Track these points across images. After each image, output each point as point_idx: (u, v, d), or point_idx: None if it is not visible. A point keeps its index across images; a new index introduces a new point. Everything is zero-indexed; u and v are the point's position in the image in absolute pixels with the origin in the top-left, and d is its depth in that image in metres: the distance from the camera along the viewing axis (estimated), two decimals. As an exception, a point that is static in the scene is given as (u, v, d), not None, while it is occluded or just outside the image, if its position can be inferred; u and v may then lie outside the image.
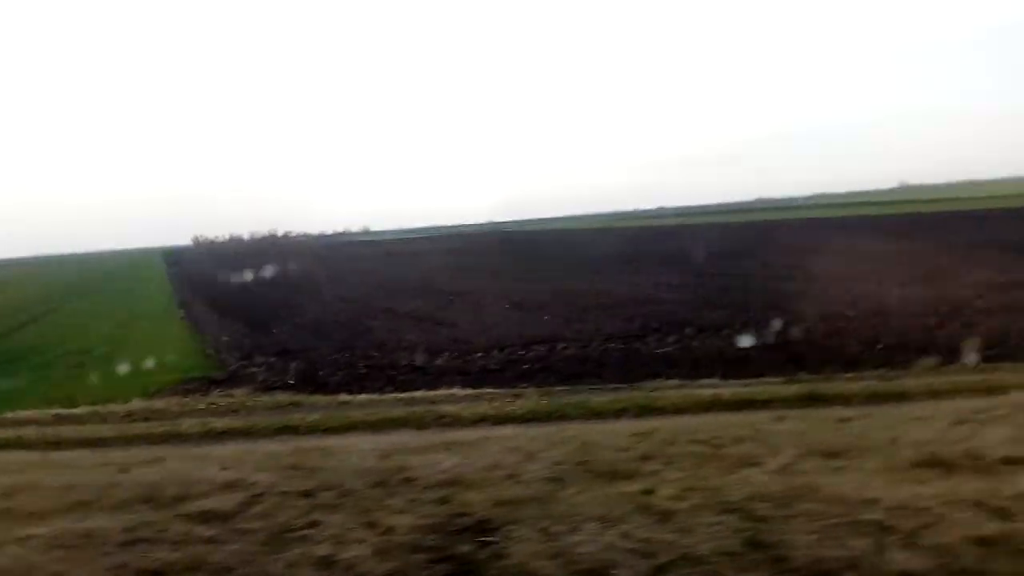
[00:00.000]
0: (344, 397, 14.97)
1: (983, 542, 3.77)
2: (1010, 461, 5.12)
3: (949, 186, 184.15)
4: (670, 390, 13.27)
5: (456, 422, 11.14)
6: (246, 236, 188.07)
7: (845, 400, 10.80)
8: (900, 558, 3.66)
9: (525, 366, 18.01)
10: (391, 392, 15.36)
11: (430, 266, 54.31)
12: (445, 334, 23.02)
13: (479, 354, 19.55)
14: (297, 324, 28.00)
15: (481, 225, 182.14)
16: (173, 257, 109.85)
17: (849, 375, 13.86)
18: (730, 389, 12.78)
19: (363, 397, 14.93)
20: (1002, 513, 4.16)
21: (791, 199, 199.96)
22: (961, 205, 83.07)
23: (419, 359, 19.11)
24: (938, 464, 5.26)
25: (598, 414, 11.02)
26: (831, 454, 5.74)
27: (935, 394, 10.50)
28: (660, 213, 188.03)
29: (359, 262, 70.38)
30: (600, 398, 12.40)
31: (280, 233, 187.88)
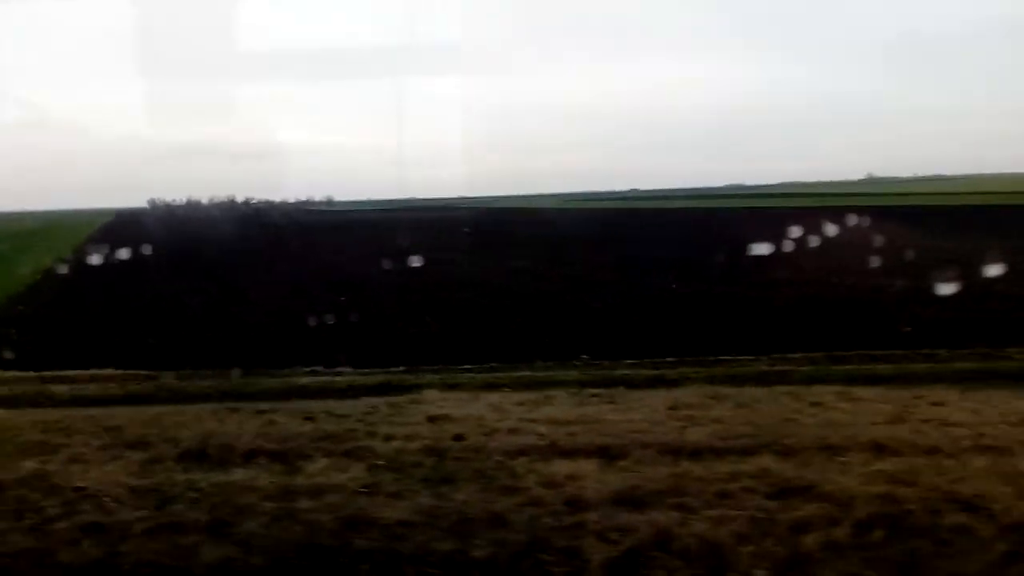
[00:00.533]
0: None
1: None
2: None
3: (914, 180, 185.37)
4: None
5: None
6: (204, 200, 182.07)
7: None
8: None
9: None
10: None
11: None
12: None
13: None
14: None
15: (453, 199, 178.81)
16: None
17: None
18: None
19: None
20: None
21: (763, 186, 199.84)
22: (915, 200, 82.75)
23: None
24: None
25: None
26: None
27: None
28: (631, 195, 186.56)
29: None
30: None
31: (240, 199, 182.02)
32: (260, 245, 48.42)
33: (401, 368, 13.64)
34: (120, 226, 75.30)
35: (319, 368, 13.51)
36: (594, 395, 9.91)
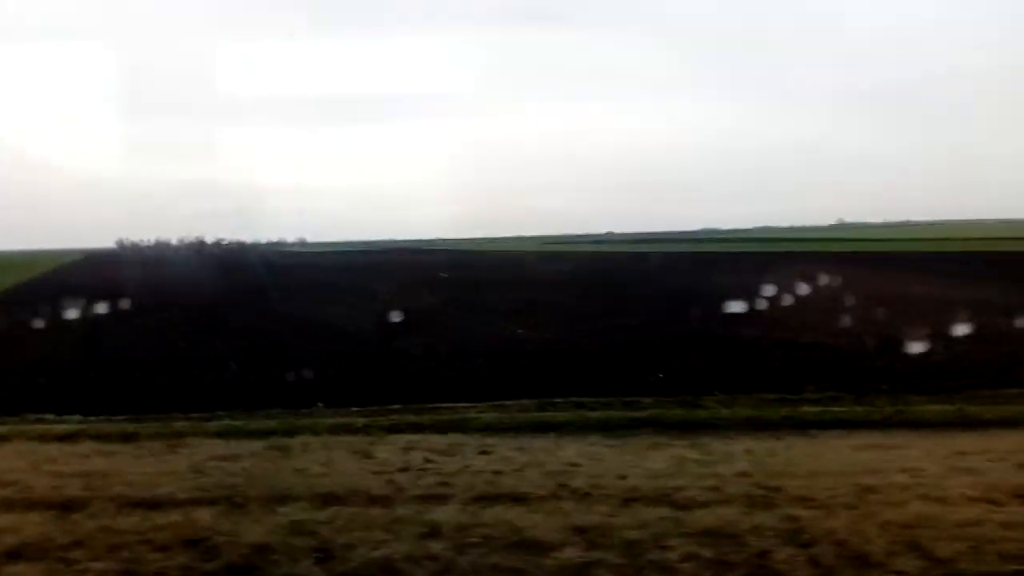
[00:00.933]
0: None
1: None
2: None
3: (884, 226, 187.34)
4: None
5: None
6: (174, 241, 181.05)
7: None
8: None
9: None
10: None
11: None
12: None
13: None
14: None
15: (428, 242, 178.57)
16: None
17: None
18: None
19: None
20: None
21: (736, 230, 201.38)
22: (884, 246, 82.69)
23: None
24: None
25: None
26: None
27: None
28: (606, 239, 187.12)
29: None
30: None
31: (210, 240, 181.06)
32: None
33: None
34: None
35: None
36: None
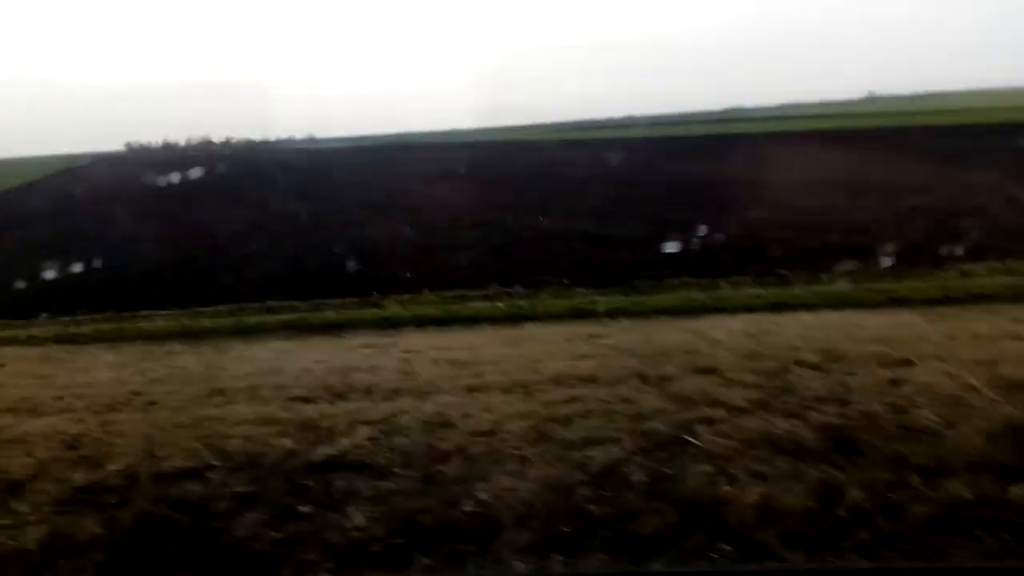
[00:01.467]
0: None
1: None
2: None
3: (915, 98, 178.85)
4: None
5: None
6: (182, 142, 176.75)
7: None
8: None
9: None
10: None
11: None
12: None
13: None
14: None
15: (445, 133, 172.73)
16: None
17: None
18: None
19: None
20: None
21: (761, 108, 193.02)
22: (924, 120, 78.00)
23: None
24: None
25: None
26: None
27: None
28: (628, 122, 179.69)
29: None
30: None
31: (217, 139, 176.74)
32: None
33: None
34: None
35: None
36: None
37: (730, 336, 7.67)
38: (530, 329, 9.37)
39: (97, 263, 17.92)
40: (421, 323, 10.31)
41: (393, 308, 11.75)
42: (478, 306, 11.59)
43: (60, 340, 10.72)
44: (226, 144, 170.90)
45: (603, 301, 10.91)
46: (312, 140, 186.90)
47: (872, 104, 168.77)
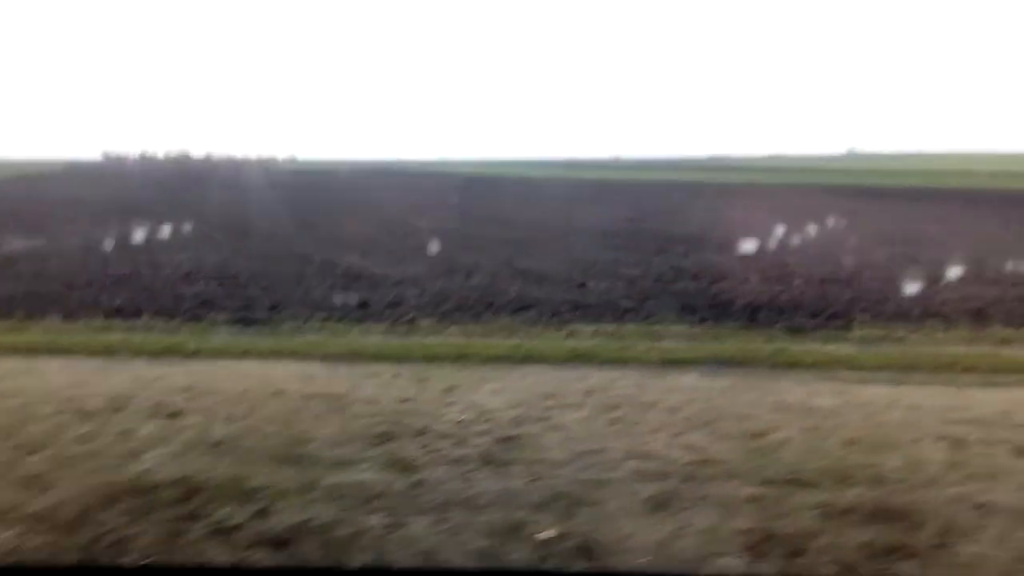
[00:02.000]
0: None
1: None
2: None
3: (896, 157, 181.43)
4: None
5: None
6: (160, 155, 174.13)
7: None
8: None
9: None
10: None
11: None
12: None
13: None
14: None
15: (429, 163, 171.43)
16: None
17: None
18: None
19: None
20: None
21: (745, 159, 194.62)
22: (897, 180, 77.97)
23: None
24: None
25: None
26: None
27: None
28: (612, 164, 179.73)
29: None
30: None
31: (197, 156, 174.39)
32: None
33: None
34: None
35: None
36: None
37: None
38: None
39: None
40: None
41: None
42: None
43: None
44: (207, 160, 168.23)
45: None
46: (295, 162, 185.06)
47: (853, 160, 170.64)
